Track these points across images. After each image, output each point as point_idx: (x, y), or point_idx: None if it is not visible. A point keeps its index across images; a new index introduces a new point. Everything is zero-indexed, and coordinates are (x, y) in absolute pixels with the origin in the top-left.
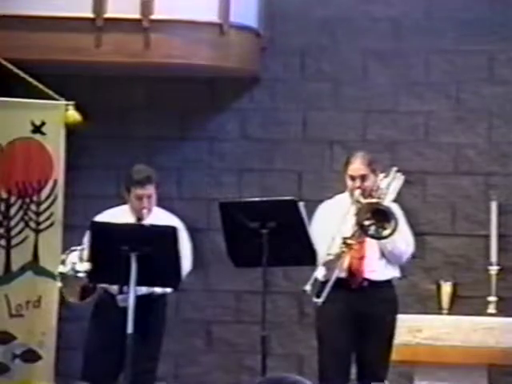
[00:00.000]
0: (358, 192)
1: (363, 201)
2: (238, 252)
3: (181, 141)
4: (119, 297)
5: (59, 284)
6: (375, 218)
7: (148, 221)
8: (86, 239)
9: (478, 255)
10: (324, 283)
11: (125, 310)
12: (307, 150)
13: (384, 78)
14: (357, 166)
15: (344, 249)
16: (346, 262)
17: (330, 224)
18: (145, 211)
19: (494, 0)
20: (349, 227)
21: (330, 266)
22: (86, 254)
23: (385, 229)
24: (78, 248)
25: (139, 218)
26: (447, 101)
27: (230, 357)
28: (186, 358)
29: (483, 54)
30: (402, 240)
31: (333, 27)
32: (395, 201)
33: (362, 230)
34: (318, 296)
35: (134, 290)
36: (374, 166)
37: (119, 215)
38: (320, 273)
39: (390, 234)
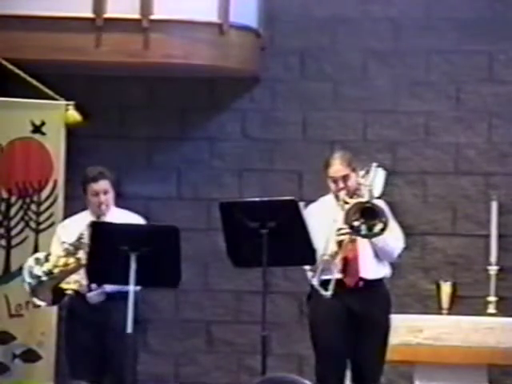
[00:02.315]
0: (343, 193)
1: (350, 200)
2: (237, 252)
3: (181, 141)
4: (89, 294)
5: (34, 300)
6: (364, 216)
7: (108, 219)
8: (54, 243)
9: (477, 255)
10: (324, 283)
11: (96, 307)
12: (307, 150)
13: (384, 78)
14: (337, 167)
15: (341, 237)
16: (338, 262)
17: (319, 227)
18: (103, 207)
19: (494, 0)
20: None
21: (324, 267)
22: (51, 258)
23: (376, 226)
24: (38, 255)
25: (99, 216)
26: (447, 101)
27: (230, 357)
28: (186, 357)
29: (483, 54)
30: (392, 236)
31: (333, 27)
32: (380, 197)
33: (353, 231)
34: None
35: (133, 290)
36: (353, 164)
37: (81, 220)
38: (309, 275)
39: (382, 230)
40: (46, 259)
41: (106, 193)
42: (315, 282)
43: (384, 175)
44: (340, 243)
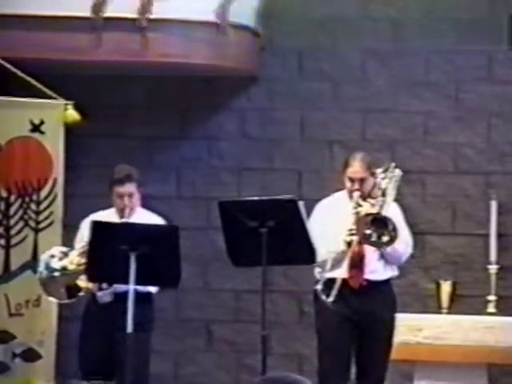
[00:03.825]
0: (357, 194)
1: (362, 203)
2: (237, 251)
3: (180, 140)
4: (99, 293)
5: (46, 295)
6: (375, 224)
7: (131, 220)
8: (78, 239)
9: (477, 254)
10: (328, 282)
11: (107, 307)
12: (306, 150)
13: (383, 77)
14: (356, 169)
15: (351, 238)
16: (345, 263)
17: (330, 223)
18: (127, 210)
19: (494, 0)
20: (348, 227)
21: (330, 264)
22: (72, 253)
23: (384, 236)
24: (62, 249)
25: (122, 217)
26: (447, 101)
27: (230, 356)
28: (186, 357)
29: (483, 54)
30: (402, 242)
31: (332, 27)
32: (395, 200)
33: (363, 238)
34: (328, 295)
35: (133, 290)
36: (373, 168)
37: (105, 217)
38: (316, 271)
39: (389, 242)
40: (66, 254)
41: (130, 196)
42: (319, 287)
43: (400, 176)
44: (349, 243)
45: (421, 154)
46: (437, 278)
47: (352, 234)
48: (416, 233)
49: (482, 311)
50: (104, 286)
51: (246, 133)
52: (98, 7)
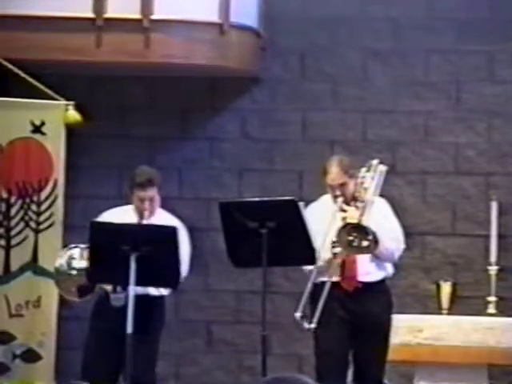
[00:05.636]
0: (340, 200)
1: (347, 208)
2: (237, 252)
3: (181, 141)
4: (112, 296)
5: (57, 286)
6: (357, 231)
7: (150, 222)
8: None
9: (477, 255)
10: (318, 287)
11: (119, 309)
12: (307, 150)
13: (384, 78)
14: (333, 176)
15: (336, 250)
16: (337, 267)
17: (318, 227)
18: (146, 213)
19: (494, 0)
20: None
21: (319, 271)
22: (86, 253)
23: (364, 241)
24: (82, 246)
25: (141, 219)
26: (447, 101)
27: (230, 357)
28: (186, 357)
29: (483, 54)
30: (391, 239)
31: (333, 27)
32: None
33: (347, 246)
34: (311, 320)
35: (133, 290)
36: (351, 171)
37: (121, 215)
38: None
39: (369, 248)
40: (82, 255)
41: (151, 199)
42: (298, 314)
43: (385, 171)
44: (335, 254)
45: (421, 155)
46: (437, 278)
47: (335, 247)
48: (416, 233)
49: (482, 312)
50: (119, 288)
51: (247, 134)
52: (99, 8)
